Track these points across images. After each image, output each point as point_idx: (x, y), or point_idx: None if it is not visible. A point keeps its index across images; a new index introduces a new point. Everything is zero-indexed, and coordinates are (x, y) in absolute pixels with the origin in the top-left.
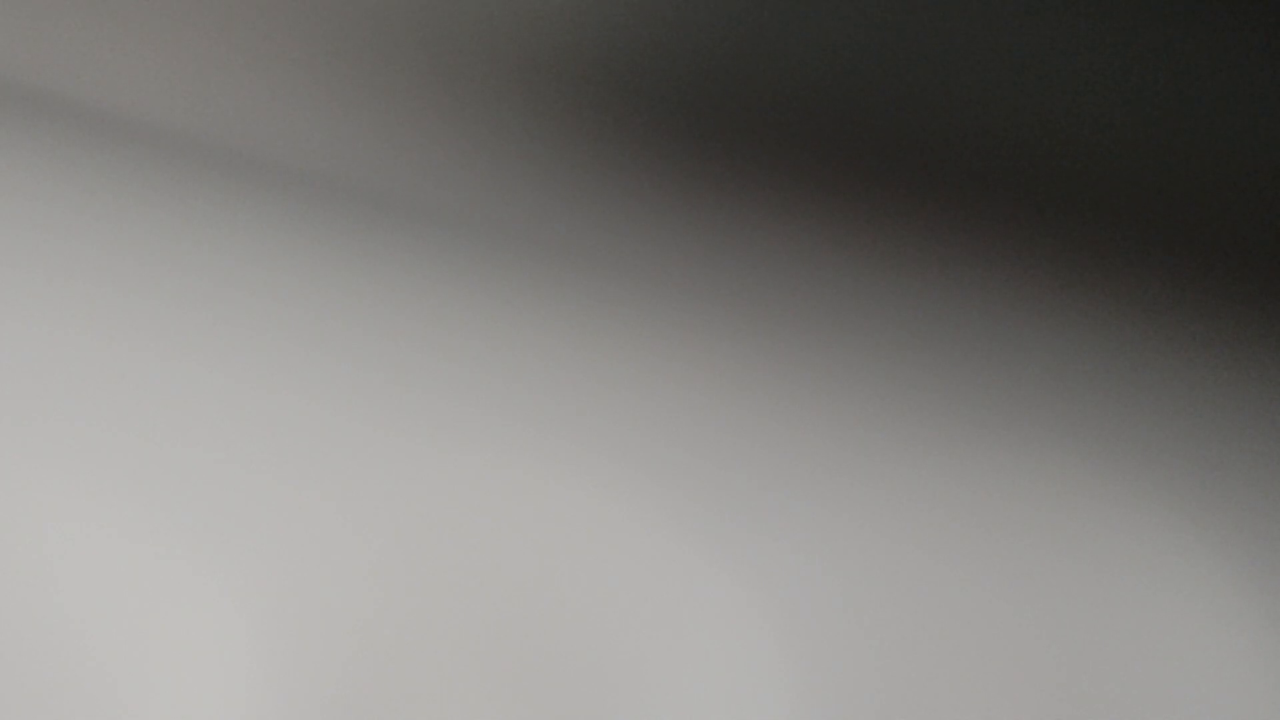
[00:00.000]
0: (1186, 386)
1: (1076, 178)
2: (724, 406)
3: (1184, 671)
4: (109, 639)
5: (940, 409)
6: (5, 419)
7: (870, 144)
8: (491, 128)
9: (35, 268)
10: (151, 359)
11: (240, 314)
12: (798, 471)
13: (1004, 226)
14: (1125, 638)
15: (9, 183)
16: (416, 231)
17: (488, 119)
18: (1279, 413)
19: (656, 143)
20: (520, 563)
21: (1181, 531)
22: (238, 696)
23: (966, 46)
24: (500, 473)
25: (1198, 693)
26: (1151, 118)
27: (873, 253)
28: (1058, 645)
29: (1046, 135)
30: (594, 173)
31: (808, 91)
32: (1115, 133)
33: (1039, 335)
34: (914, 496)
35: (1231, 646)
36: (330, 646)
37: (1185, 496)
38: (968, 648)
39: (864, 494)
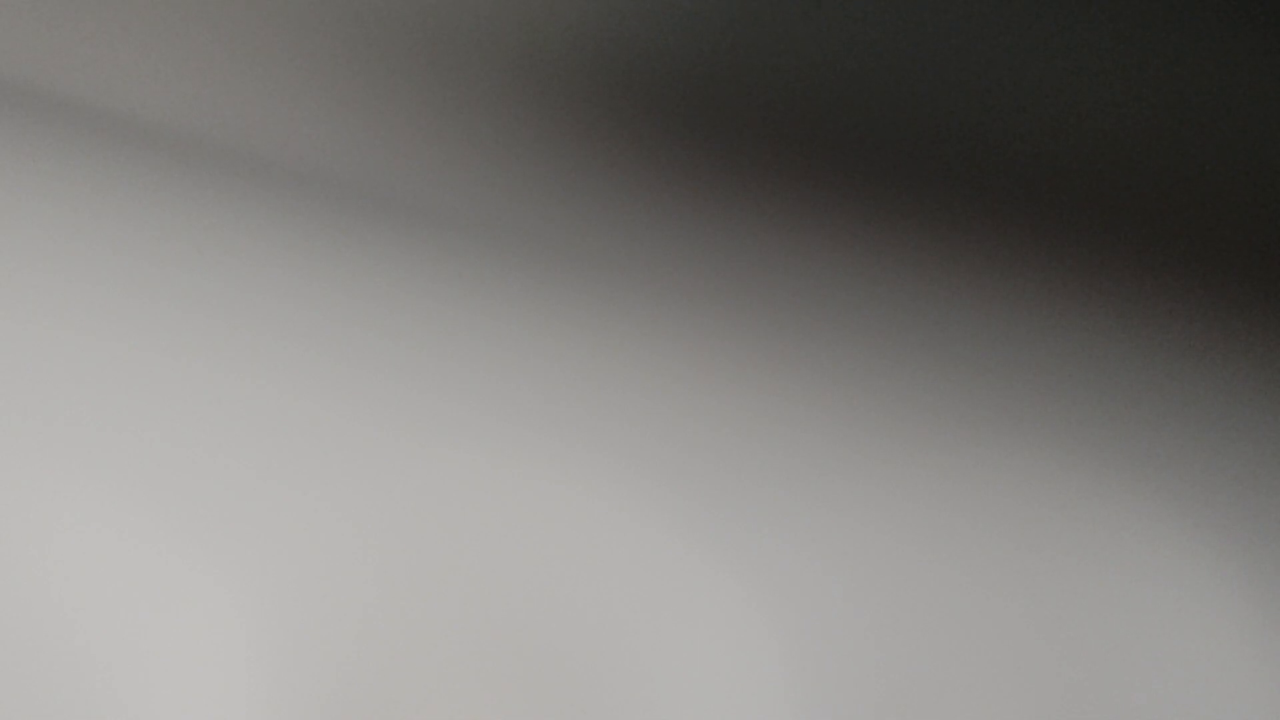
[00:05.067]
0: (1187, 386)
1: (1077, 178)
2: (724, 406)
3: (1184, 671)
4: (109, 639)
5: (941, 408)
6: (5, 419)
7: (872, 144)
8: (492, 127)
9: (35, 268)
10: (150, 358)
11: (240, 314)
12: (798, 470)
13: (1005, 226)
14: (1125, 637)
15: (9, 182)
16: (417, 231)
17: (488, 118)
18: (1279, 413)
19: (656, 142)
20: (520, 562)
21: (1182, 531)
22: (238, 696)
23: (967, 46)
24: (500, 472)
25: (1198, 693)
26: (1152, 118)
27: (874, 252)
28: (1058, 644)
29: (1047, 135)
30: (594, 172)
31: (809, 91)
32: (1116, 133)
33: (1039, 334)
34: (915, 496)
35: (1231, 646)
36: (330, 646)
37: (1185, 496)
38: (968, 646)
39: (865, 493)
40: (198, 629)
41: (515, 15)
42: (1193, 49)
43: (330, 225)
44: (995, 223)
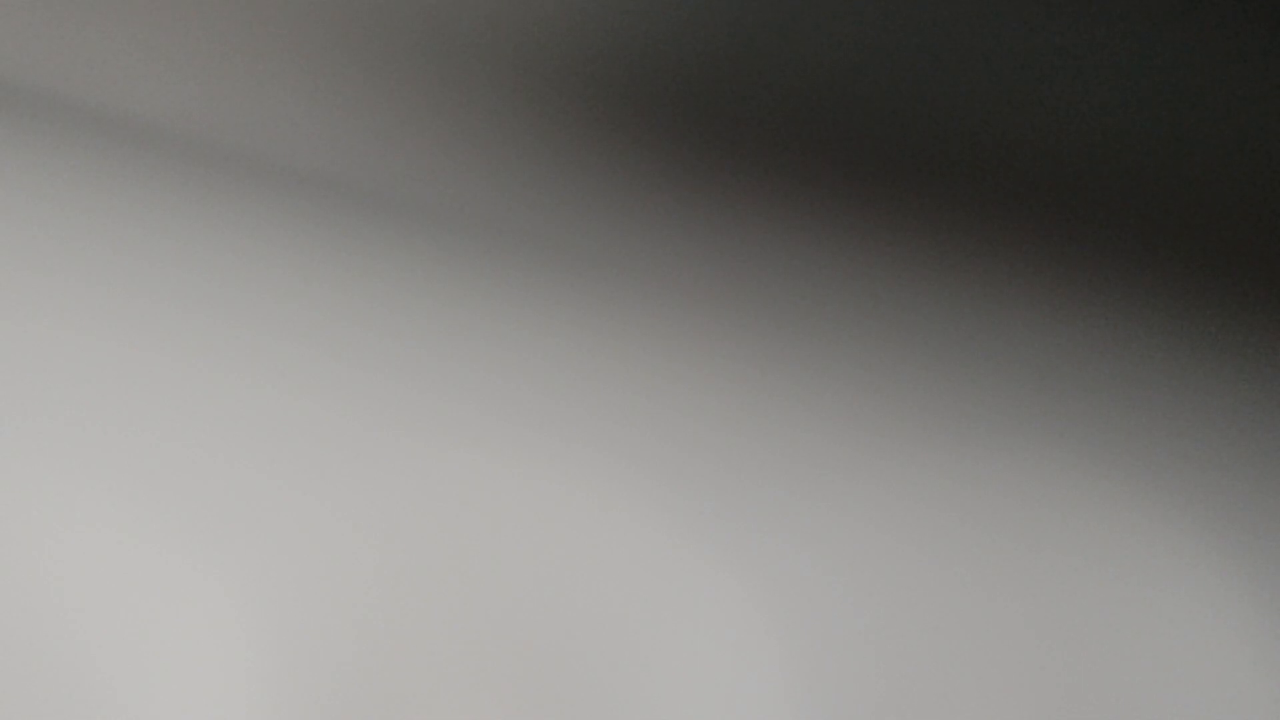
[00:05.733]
0: (1187, 386)
1: (1077, 177)
2: (724, 406)
3: (1184, 672)
4: (109, 639)
5: (941, 408)
6: (5, 419)
7: (872, 143)
8: (491, 127)
9: (35, 268)
10: (150, 358)
11: (240, 314)
12: (798, 470)
13: (1004, 226)
14: (1126, 638)
15: (9, 182)
16: (416, 231)
17: (488, 118)
18: (1279, 413)
19: (657, 142)
20: (520, 562)
21: (1182, 532)
22: (237, 696)
23: (967, 46)
24: (500, 472)
25: (1198, 693)
26: (1152, 118)
27: (874, 252)
28: (1058, 645)
29: (1047, 135)
30: (594, 172)
31: (810, 90)
32: (1116, 133)
33: (1040, 334)
34: (915, 496)
35: (1231, 646)
36: (331, 646)
37: (1185, 497)
38: (968, 647)
39: (865, 493)
40: (198, 629)
41: (515, 15)
42: (1193, 49)
43: (330, 225)
44: (996, 222)
